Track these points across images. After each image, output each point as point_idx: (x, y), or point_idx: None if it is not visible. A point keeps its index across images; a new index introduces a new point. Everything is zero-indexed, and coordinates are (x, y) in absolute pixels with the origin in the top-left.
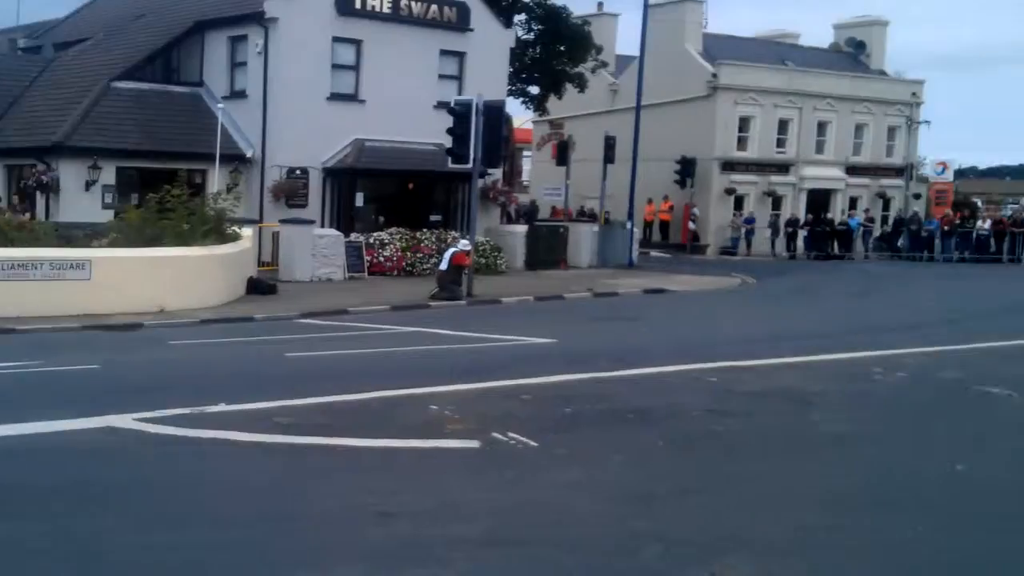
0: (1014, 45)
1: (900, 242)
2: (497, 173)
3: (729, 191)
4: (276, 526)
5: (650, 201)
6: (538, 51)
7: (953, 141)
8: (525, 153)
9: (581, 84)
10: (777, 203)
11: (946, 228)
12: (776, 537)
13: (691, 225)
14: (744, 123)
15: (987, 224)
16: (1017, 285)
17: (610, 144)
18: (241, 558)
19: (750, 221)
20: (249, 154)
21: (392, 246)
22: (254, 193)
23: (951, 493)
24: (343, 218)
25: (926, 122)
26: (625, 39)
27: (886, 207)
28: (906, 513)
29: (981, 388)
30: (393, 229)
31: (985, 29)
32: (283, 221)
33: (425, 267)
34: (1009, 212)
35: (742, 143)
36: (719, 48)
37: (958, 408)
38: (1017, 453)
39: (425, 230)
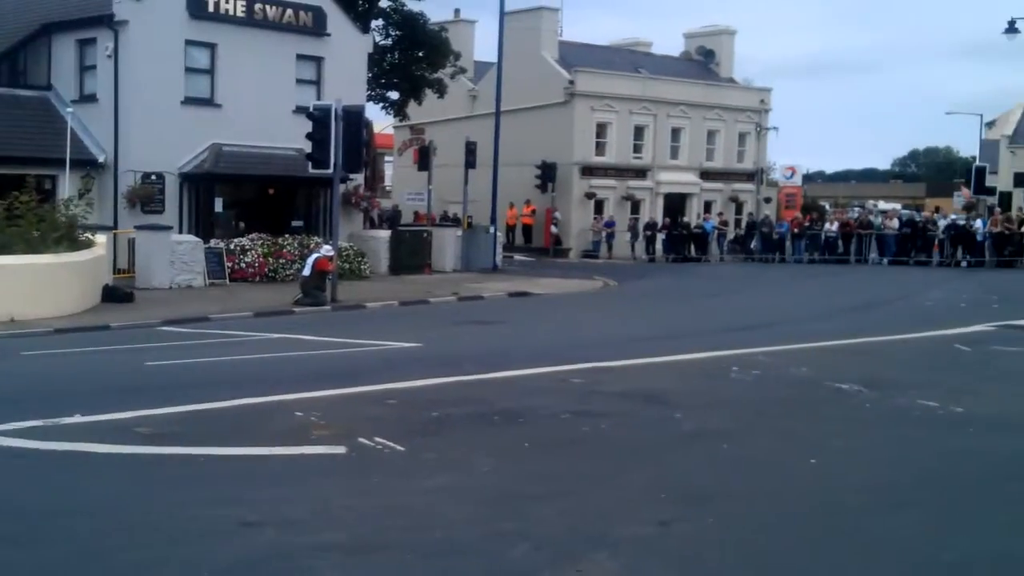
0: (857, 52)
1: (753, 244)
2: (359, 178)
3: (589, 195)
4: (128, 539)
5: (511, 206)
6: (396, 57)
7: (801, 147)
8: (387, 158)
9: (440, 90)
10: (636, 207)
11: (796, 230)
12: (641, 533)
13: (553, 229)
14: (601, 129)
15: (834, 226)
16: (864, 284)
17: (471, 149)
18: None
19: (610, 225)
20: (101, 159)
21: (253, 252)
22: (108, 199)
23: (806, 486)
24: (202, 224)
25: (774, 128)
26: (483, 45)
27: (739, 211)
28: (762, 506)
29: (833, 384)
30: (254, 235)
31: (830, 38)
32: (139, 227)
33: (288, 273)
34: (855, 214)
35: (600, 148)
36: (575, 55)
37: (812, 404)
38: (865, 447)
39: (287, 236)
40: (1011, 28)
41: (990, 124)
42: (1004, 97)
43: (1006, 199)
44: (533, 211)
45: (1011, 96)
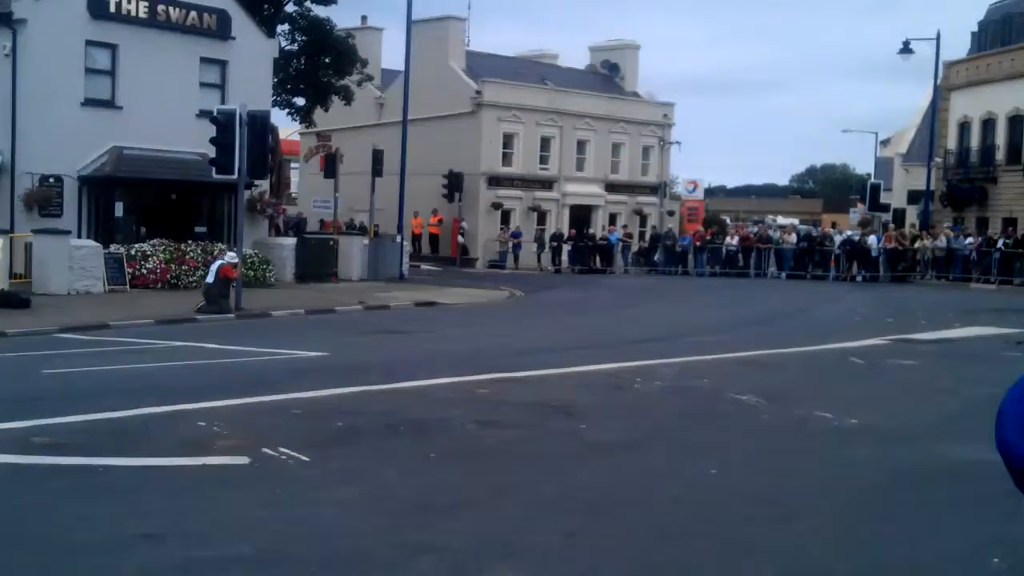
0: (759, 70)
1: (656, 257)
2: (264, 184)
3: (496, 206)
4: (25, 553)
5: (416, 215)
6: (303, 62)
7: (703, 161)
8: (293, 165)
9: (347, 97)
10: (542, 218)
11: (698, 244)
12: (546, 544)
13: (460, 239)
14: (508, 139)
15: (735, 240)
16: (763, 298)
17: (378, 157)
18: None
19: (517, 235)
20: None
21: (155, 258)
22: (4, 202)
23: (707, 497)
24: (102, 229)
25: (677, 143)
26: (390, 53)
27: (643, 223)
28: (664, 516)
29: (733, 396)
30: (156, 241)
31: (732, 55)
32: (36, 231)
33: (191, 280)
34: (755, 229)
35: (507, 159)
36: (482, 65)
37: (712, 416)
38: (764, 458)
39: (190, 242)
40: (906, 48)
41: (885, 142)
42: (899, 116)
43: (900, 216)
44: (440, 220)
45: (905, 115)
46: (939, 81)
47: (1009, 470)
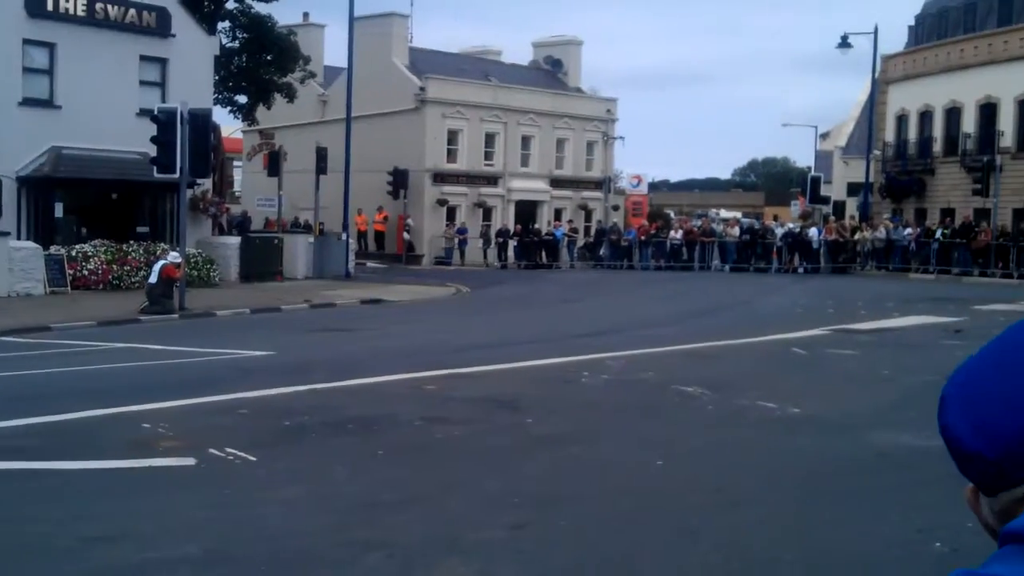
0: (701, 65)
1: (602, 251)
2: (206, 183)
3: (441, 202)
4: None
5: (360, 212)
6: (244, 60)
7: (647, 156)
8: (236, 163)
9: (290, 94)
10: (488, 214)
11: (643, 238)
12: (493, 538)
13: (406, 235)
14: (453, 136)
15: (679, 234)
16: (707, 290)
17: (322, 155)
18: None
19: (462, 231)
20: None
21: (97, 259)
22: None
23: (653, 487)
24: (42, 230)
25: (620, 138)
26: (333, 50)
27: (588, 218)
28: (611, 508)
29: (678, 388)
30: (97, 241)
31: (675, 50)
32: None
33: (134, 280)
34: (698, 223)
35: (452, 155)
36: (426, 62)
37: (658, 407)
38: (709, 448)
39: (132, 242)
40: (844, 43)
41: (824, 135)
42: (838, 109)
43: (840, 208)
44: (385, 218)
45: (844, 108)
46: (877, 75)
47: (952, 455)
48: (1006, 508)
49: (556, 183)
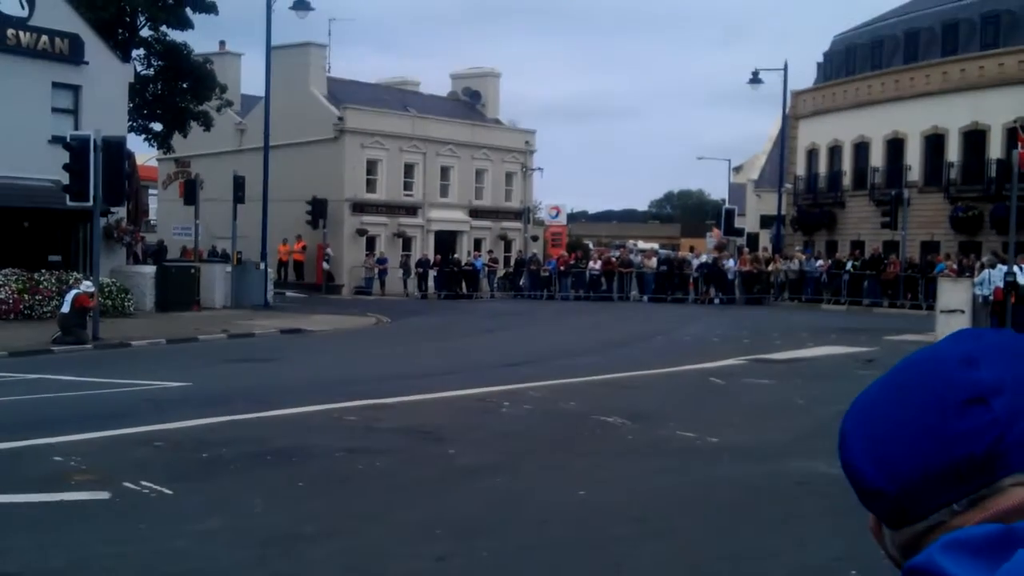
0: (617, 98)
1: (522, 281)
2: (121, 211)
3: (361, 232)
4: None
5: (284, 241)
6: (160, 87)
7: (565, 187)
8: (151, 191)
9: (206, 122)
10: (407, 244)
11: (562, 268)
12: (417, 569)
13: (325, 265)
14: (372, 166)
15: (598, 264)
16: (626, 320)
17: (239, 184)
18: None
19: (383, 261)
20: None
21: (7, 288)
22: None
23: (575, 518)
24: None
25: (539, 169)
26: (249, 79)
27: (508, 248)
28: (534, 538)
29: (599, 418)
30: (8, 270)
31: (591, 83)
32: None
33: (46, 310)
34: (616, 253)
35: (371, 185)
36: (344, 92)
37: (580, 437)
38: (630, 478)
39: (44, 271)
40: (755, 79)
41: (738, 169)
42: (750, 143)
43: (754, 240)
44: (304, 247)
45: (756, 142)
46: (787, 110)
47: (854, 489)
48: (908, 542)
49: (475, 213)
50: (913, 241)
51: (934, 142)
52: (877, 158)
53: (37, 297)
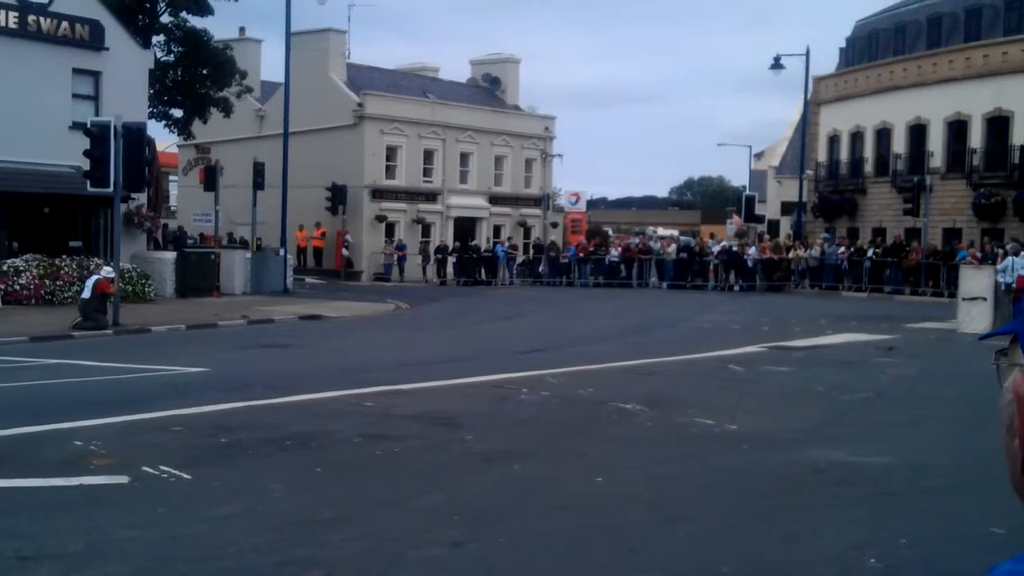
0: (638, 85)
1: (541, 268)
2: (141, 197)
3: (380, 218)
4: None
5: (301, 228)
6: (180, 74)
7: (585, 173)
8: (171, 177)
9: (226, 109)
10: (426, 230)
11: (581, 255)
12: (434, 555)
13: (344, 252)
14: (392, 152)
15: (617, 251)
16: (645, 307)
17: (259, 170)
18: None
19: (401, 248)
20: None
21: (28, 274)
22: None
23: (592, 504)
24: None
25: (558, 155)
26: (270, 65)
27: (527, 235)
28: (551, 525)
29: (617, 404)
30: (29, 255)
31: (613, 69)
32: None
33: (67, 296)
34: (636, 240)
35: (391, 171)
36: (364, 78)
37: (597, 424)
38: (648, 464)
39: (65, 257)
40: (777, 64)
41: (759, 155)
42: (771, 129)
43: (774, 227)
44: (323, 234)
45: (777, 129)
46: (809, 96)
47: None
48: None
49: (495, 200)
50: (935, 228)
51: (957, 128)
52: (899, 144)
53: (58, 283)
